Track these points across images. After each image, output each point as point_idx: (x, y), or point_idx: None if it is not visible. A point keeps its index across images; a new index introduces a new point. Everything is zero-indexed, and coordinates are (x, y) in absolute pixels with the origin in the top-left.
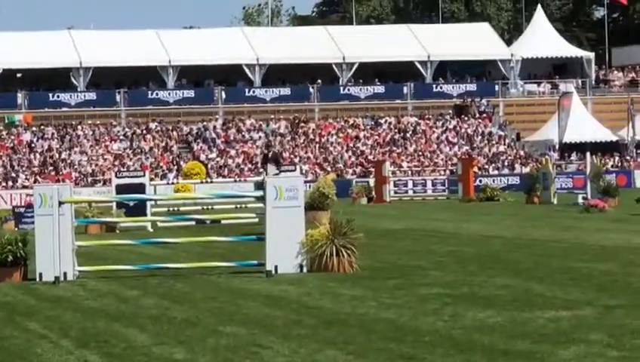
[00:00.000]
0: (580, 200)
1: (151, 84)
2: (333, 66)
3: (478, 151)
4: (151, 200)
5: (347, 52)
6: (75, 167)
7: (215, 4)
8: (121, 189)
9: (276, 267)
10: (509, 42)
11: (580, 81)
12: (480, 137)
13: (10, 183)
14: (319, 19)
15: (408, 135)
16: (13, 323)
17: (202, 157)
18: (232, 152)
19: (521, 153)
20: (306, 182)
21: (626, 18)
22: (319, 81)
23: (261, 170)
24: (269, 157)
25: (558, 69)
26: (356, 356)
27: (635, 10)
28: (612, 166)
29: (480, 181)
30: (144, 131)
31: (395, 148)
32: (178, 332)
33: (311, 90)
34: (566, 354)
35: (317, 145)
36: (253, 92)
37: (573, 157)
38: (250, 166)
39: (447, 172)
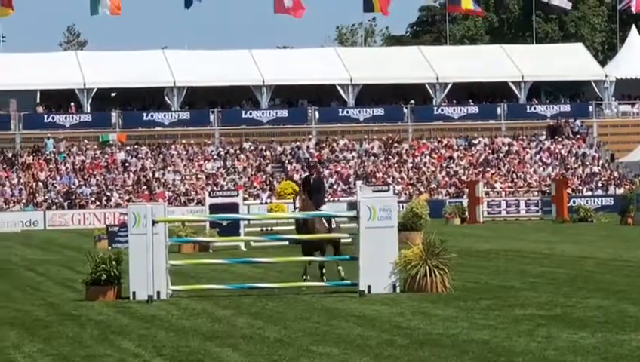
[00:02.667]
0: None
1: (244, 104)
2: (427, 86)
3: (572, 172)
4: (244, 219)
5: (441, 72)
6: (169, 186)
7: (308, 24)
8: (214, 209)
9: (369, 287)
10: (603, 63)
11: None
12: (574, 158)
13: (103, 202)
14: (413, 39)
15: (502, 155)
16: (107, 341)
17: (295, 177)
18: (326, 172)
19: (615, 174)
20: (399, 202)
21: None
22: (412, 101)
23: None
24: (311, 183)
25: None
26: None
27: None
28: None
29: (574, 202)
30: (237, 151)
31: (488, 169)
32: (271, 352)
33: (404, 110)
34: None
35: (410, 166)
36: (347, 112)
37: None
38: (343, 186)
39: (541, 193)
